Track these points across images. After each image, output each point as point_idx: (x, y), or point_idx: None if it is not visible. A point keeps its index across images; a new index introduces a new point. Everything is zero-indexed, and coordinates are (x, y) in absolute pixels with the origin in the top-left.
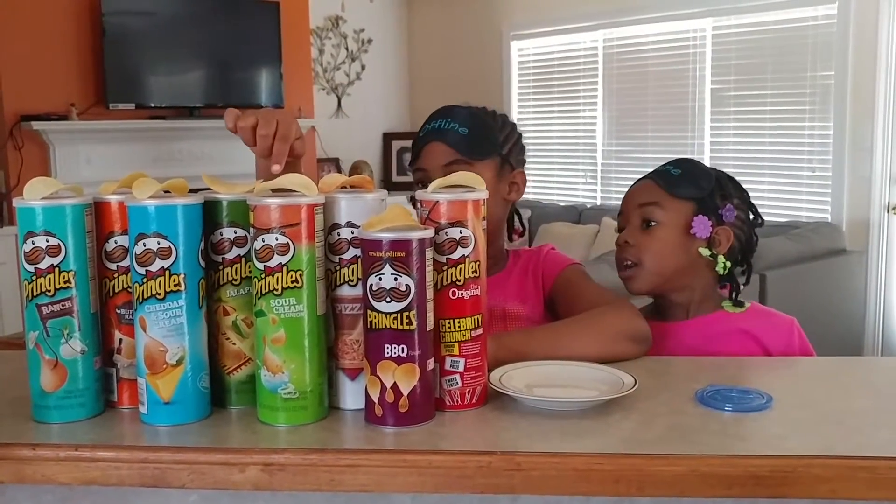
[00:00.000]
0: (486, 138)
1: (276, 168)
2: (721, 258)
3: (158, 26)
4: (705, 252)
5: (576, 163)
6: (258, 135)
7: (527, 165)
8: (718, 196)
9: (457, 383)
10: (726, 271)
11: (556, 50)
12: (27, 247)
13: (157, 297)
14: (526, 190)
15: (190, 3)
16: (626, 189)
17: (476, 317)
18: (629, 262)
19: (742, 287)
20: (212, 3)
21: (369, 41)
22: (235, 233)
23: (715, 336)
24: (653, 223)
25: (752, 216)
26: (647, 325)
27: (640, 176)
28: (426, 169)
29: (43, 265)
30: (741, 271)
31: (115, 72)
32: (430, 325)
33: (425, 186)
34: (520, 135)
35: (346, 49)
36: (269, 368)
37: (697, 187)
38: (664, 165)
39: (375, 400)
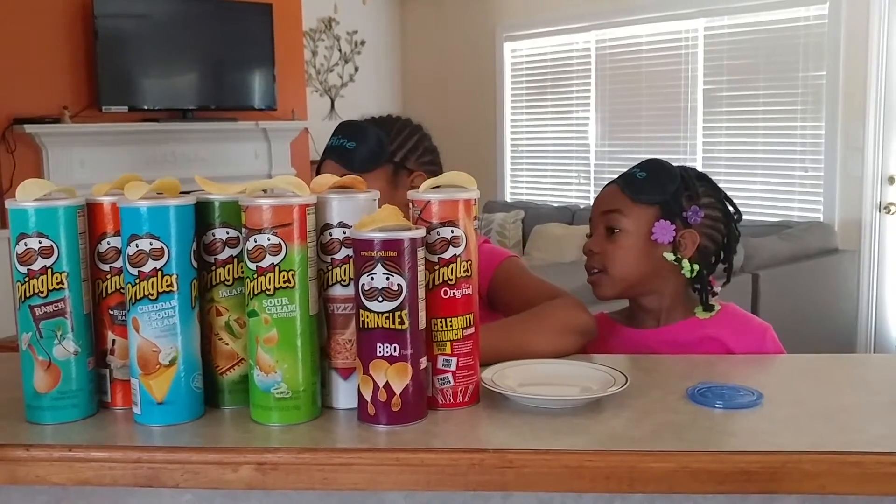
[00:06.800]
0: (371, 150)
1: None
2: (686, 262)
3: (151, 28)
4: (670, 256)
5: (569, 163)
6: None
7: (520, 166)
8: (684, 197)
9: (449, 382)
10: (694, 275)
11: (549, 51)
12: (20, 248)
13: (150, 297)
14: (519, 191)
15: (182, 6)
16: None
17: (468, 316)
18: (595, 270)
19: (721, 286)
20: (204, 5)
21: (362, 43)
22: (228, 233)
23: (684, 344)
24: (616, 230)
25: (731, 210)
26: (592, 317)
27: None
28: None
29: (36, 266)
30: (723, 269)
31: (108, 74)
32: (422, 324)
33: None
34: (421, 136)
35: (340, 51)
36: (262, 368)
37: (661, 191)
38: (632, 168)
39: (368, 399)
